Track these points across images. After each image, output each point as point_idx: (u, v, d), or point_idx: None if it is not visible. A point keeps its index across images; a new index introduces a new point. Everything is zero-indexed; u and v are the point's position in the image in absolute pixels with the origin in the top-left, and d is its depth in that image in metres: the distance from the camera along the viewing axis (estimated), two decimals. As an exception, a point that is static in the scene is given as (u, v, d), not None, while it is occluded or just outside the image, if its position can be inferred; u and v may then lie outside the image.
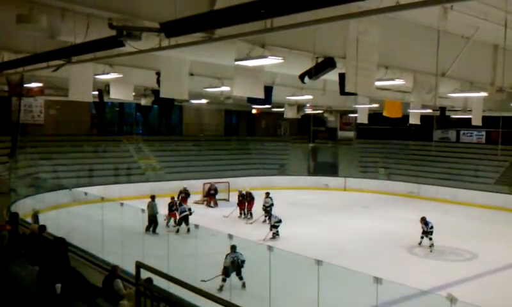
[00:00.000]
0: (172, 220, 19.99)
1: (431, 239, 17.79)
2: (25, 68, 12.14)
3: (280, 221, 18.82)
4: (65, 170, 26.31)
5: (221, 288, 12.40)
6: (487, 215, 24.67)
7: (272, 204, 21.60)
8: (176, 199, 21.21)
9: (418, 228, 18.44)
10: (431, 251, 17.59)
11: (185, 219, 19.00)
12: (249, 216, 22.51)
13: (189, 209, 19.52)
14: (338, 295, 11.58)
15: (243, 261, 12.67)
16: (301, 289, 12.11)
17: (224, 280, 12.54)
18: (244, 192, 23.12)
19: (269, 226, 19.16)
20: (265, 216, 21.08)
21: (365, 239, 19.31)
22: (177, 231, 18.97)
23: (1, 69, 12.66)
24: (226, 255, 12.64)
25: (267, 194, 22.17)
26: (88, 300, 6.92)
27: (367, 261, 14.65)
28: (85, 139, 30.55)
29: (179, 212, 19.39)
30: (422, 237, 18.06)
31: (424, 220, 18.08)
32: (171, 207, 20.16)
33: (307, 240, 18.00)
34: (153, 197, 19.75)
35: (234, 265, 12.61)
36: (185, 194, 23.45)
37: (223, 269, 12.60)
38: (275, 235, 18.58)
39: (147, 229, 18.62)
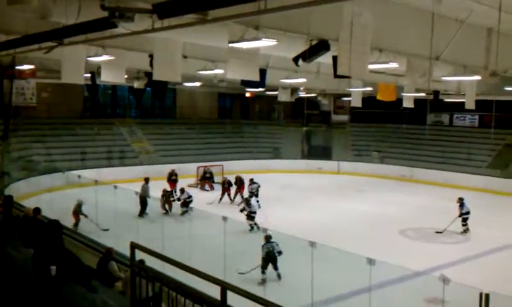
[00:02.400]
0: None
1: (464, 225, 17.52)
2: (17, 49, 12.03)
3: (254, 212, 17.58)
4: (58, 153, 26.23)
5: (262, 282, 12.04)
6: (480, 199, 24.78)
7: (259, 187, 21.50)
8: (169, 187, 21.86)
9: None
10: (461, 232, 17.42)
11: (188, 204, 19.12)
12: (240, 200, 22.45)
13: (190, 196, 19.65)
14: (331, 277, 11.68)
15: (279, 252, 12.20)
16: (295, 271, 12.21)
17: (263, 272, 12.20)
18: (228, 178, 23.24)
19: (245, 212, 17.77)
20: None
21: (358, 222, 19.45)
22: (182, 213, 19.01)
23: (-8, 51, 12.54)
24: (262, 245, 12.24)
25: (251, 180, 21.96)
26: (83, 282, 6.94)
27: (361, 244, 14.72)
28: (78, 122, 30.42)
29: (185, 196, 19.47)
30: (463, 219, 17.49)
31: (460, 201, 17.62)
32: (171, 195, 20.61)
33: (301, 223, 18.07)
34: (146, 180, 19.75)
35: (270, 255, 12.21)
36: (175, 176, 23.37)
37: (262, 260, 12.22)
38: (256, 227, 17.14)
39: (140, 214, 18.62)
